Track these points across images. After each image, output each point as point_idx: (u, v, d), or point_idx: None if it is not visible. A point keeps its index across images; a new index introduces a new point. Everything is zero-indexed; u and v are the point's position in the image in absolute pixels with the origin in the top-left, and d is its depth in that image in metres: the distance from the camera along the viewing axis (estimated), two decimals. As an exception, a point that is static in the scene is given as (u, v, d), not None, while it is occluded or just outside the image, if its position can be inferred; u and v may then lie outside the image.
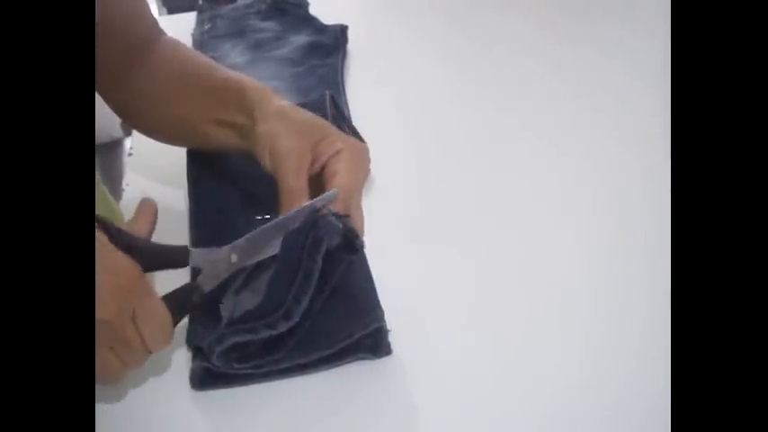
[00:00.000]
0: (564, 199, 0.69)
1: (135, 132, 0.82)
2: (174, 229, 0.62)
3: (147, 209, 0.52)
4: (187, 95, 0.63)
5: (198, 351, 0.51)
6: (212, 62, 0.65)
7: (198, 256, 0.50)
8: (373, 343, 0.52)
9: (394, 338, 0.53)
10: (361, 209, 0.56)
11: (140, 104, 0.65)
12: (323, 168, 0.57)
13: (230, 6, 1.06)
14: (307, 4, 1.03)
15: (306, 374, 0.51)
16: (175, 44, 0.66)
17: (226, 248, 0.50)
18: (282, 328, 0.49)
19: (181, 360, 0.53)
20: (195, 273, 0.51)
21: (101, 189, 0.76)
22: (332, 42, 0.94)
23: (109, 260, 0.44)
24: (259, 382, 0.51)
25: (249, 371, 0.50)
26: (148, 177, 0.73)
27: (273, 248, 0.51)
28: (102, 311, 0.42)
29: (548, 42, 0.98)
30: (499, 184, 0.71)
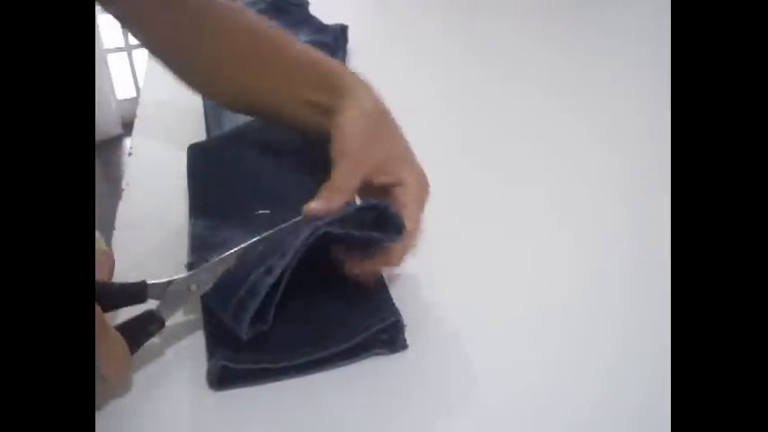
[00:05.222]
0: (567, 196, 0.69)
1: (135, 132, 0.82)
2: (174, 228, 0.63)
3: (104, 258, 0.53)
4: (263, 69, 0.62)
5: (215, 349, 0.51)
6: (279, 32, 0.63)
7: (157, 289, 0.51)
8: (389, 338, 0.52)
9: (407, 334, 0.53)
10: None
11: (212, 75, 0.64)
12: (386, 189, 0.56)
13: (230, 6, 1.06)
14: (307, 4, 1.04)
15: (322, 371, 0.51)
16: (238, 9, 0.64)
17: (184, 278, 0.51)
18: (278, 268, 0.49)
19: (197, 361, 0.52)
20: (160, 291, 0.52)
21: None
22: (332, 42, 0.94)
23: None
24: (276, 379, 0.51)
25: (267, 365, 0.50)
26: (148, 177, 0.73)
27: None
28: None
29: (550, 40, 0.98)
30: (501, 181, 0.72)
